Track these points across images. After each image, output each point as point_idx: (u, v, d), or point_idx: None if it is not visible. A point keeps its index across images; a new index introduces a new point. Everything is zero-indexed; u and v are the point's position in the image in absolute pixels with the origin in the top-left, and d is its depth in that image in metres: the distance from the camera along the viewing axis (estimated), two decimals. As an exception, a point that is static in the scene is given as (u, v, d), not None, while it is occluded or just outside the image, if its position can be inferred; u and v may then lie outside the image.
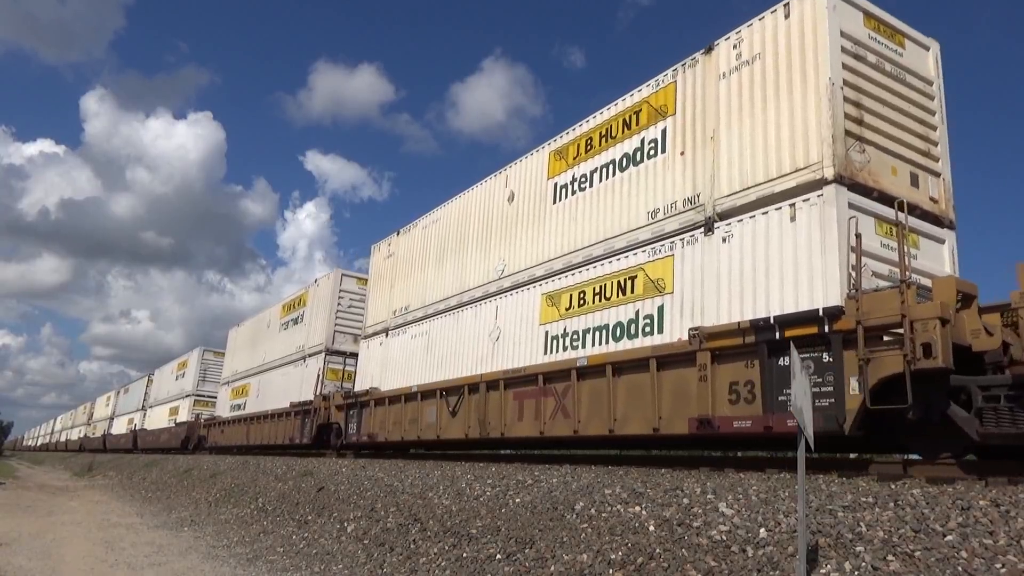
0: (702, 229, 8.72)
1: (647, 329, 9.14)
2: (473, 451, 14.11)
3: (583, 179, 10.97)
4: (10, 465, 47.88)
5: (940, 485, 5.61)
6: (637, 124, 10.15)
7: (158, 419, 37.96)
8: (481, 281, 12.88)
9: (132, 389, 48.67)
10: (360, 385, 16.48)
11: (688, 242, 8.87)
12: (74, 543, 10.39)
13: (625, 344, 9.40)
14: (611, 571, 5.62)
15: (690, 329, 8.25)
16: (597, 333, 9.92)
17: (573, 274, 10.62)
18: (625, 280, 9.65)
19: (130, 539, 10.90)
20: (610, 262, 9.99)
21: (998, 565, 4.12)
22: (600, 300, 10.00)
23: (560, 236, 11.15)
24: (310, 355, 19.93)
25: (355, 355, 18.32)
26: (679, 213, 9.11)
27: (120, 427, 48.11)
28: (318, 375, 18.69)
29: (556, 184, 11.55)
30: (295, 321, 22.06)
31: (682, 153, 9.30)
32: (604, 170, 10.57)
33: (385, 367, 15.62)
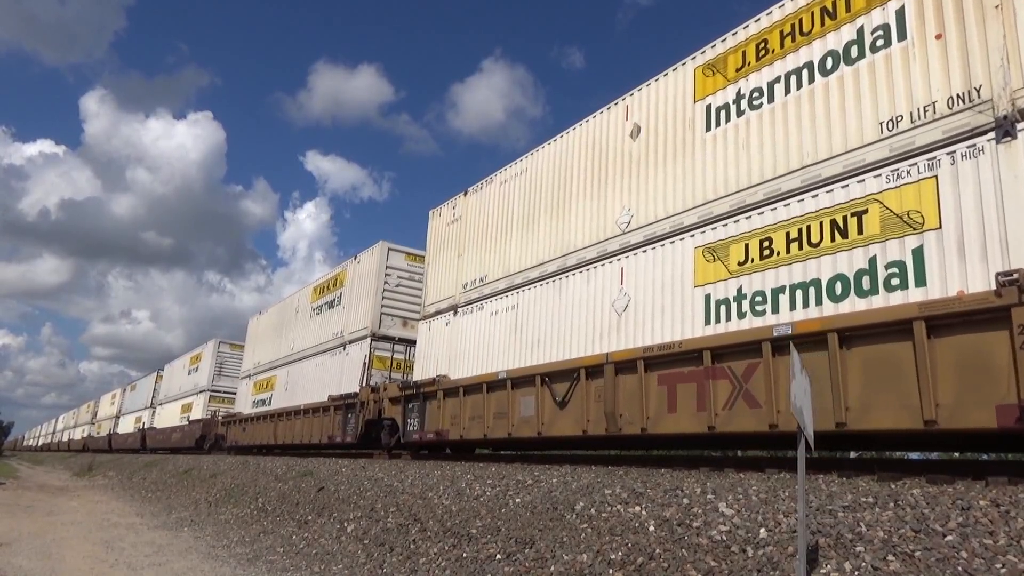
0: (990, 135, 6.02)
1: (894, 281, 6.42)
2: (591, 451, 11.40)
3: (756, 95, 8.27)
4: (10, 465, 46.82)
5: (940, 485, 5.42)
6: (848, 10, 7.47)
7: (169, 417, 35.18)
8: (594, 239, 10.16)
9: (140, 386, 45.69)
10: (422, 373, 13.67)
11: (966, 156, 6.15)
12: (74, 543, 10.20)
13: (854, 304, 6.68)
14: (611, 571, 5.53)
15: (998, 275, 5.53)
16: (798, 292, 7.20)
17: (749, 218, 7.92)
18: (845, 218, 6.94)
19: (130, 539, 10.74)
20: (815, 196, 7.28)
21: (998, 565, 4.01)
22: (801, 248, 7.28)
23: (720, 171, 8.45)
24: (351, 341, 17.16)
25: (406, 341, 15.84)
26: (942, 118, 6.40)
27: (127, 426, 45.34)
28: (364, 364, 15.91)
29: (709, 106, 8.85)
30: (330, 304, 19.21)
31: (938, 37, 6.61)
32: (792, 78, 7.87)
33: (455, 351, 12.87)
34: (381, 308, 16.53)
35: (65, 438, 72.09)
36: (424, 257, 15.38)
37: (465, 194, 14.01)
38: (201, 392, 31.07)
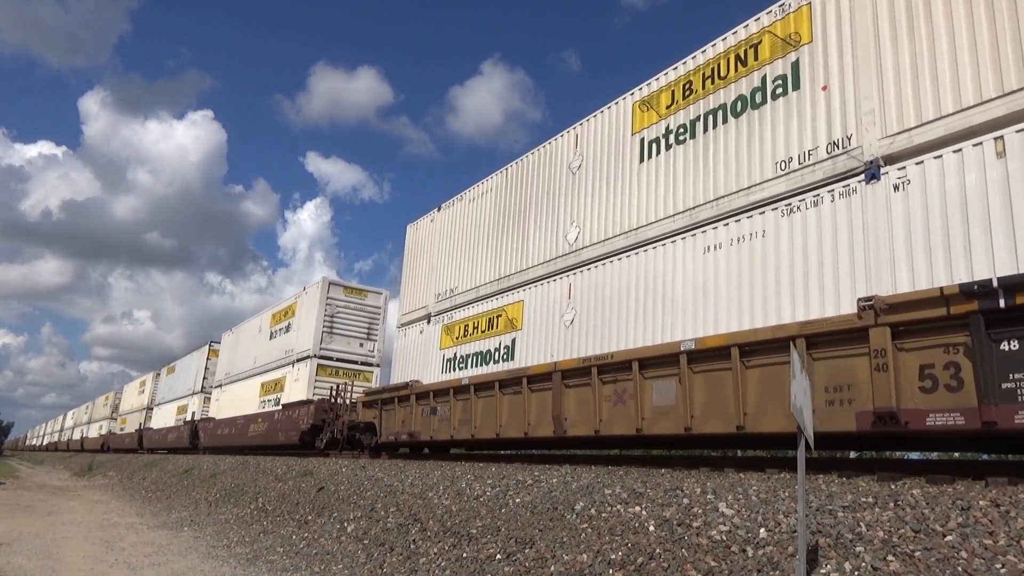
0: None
1: None
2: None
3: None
4: (10, 465, 46.91)
5: (940, 485, 5.50)
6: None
7: (235, 402, 25.13)
8: None
9: (180, 367, 34.61)
10: None
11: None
12: (74, 543, 10.22)
13: None
14: (611, 571, 5.57)
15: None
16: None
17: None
18: None
19: (130, 539, 10.72)
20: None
21: (998, 565, 4.04)
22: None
23: None
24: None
25: None
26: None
27: (165, 418, 34.95)
28: None
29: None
30: (764, 95, 8.20)
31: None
32: None
33: None
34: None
35: (76, 436, 61.43)
36: None
37: None
38: (303, 360, 20.68)
